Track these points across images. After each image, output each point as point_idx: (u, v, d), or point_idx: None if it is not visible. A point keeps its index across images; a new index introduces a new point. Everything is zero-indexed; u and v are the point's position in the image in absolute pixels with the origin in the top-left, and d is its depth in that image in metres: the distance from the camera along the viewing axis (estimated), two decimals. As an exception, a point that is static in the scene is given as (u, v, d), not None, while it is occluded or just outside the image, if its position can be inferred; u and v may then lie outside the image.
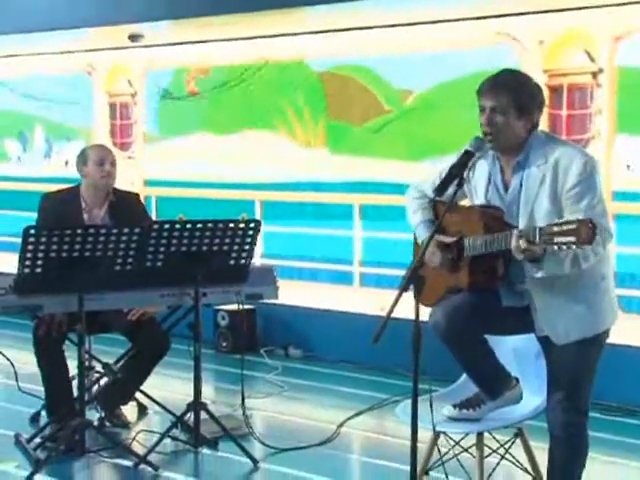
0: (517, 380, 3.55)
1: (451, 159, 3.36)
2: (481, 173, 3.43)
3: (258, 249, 5.23)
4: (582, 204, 3.15)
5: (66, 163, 8.28)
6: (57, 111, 8.27)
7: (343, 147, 6.64)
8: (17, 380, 4.86)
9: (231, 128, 7.18)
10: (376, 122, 6.45)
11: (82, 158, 4.95)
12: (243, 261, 4.72)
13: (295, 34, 6.76)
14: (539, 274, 3.17)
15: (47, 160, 8.50)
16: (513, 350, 3.70)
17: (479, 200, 3.43)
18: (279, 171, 6.96)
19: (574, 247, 2.94)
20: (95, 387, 5.12)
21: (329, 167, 6.69)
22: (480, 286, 3.37)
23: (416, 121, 6.27)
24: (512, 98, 3.27)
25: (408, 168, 6.23)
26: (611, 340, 3.45)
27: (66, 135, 8.29)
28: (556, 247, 2.97)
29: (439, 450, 3.66)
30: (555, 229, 2.95)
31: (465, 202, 3.56)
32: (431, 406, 3.31)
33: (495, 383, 3.52)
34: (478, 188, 3.43)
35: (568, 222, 2.94)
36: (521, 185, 3.31)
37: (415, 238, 3.67)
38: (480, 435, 3.61)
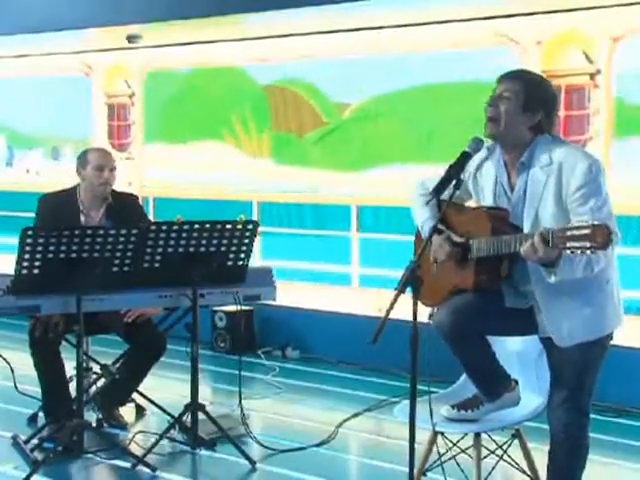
0: (516, 382, 3.55)
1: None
2: (488, 175, 3.43)
3: (256, 250, 5.26)
4: (587, 206, 3.14)
5: (27, 171, 8.46)
6: (24, 118, 8.40)
7: (287, 158, 6.91)
8: (14, 381, 4.85)
9: (182, 138, 7.47)
10: (315, 134, 6.76)
11: (82, 161, 4.94)
12: (241, 262, 4.72)
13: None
14: (552, 279, 3.14)
15: (9, 168, 8.63)
16: (514, 351, 3.70)
17: (487, 201, 3.43)
18: (230, 181, 7.21)
19: (588, 252, 2.93)
20: (93, 388, 5.12)
21: (274, 177, 6.96)
22: (484, 286, 3.37)
23: (352, 133, 6.58)
24: (521, 88, 3.27)
25: (345, 178, 6.58)
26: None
27: (28, 144, 8.42)
28: (569, 251, 2.96)
29: (438, 451, 3.66)
30: (568, 233, 2.93)
31: (471, 203, 3.57)
32: (430, 406, 3.32)
33: (494, 385, 3.52)
34: (485, 189, 3.43)
35: (582, 227, 2.91)
36: (525, 187, 3.31)
37: (416, 237, 3.67)
38: (478, 436, 3.61)
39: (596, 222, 2.91)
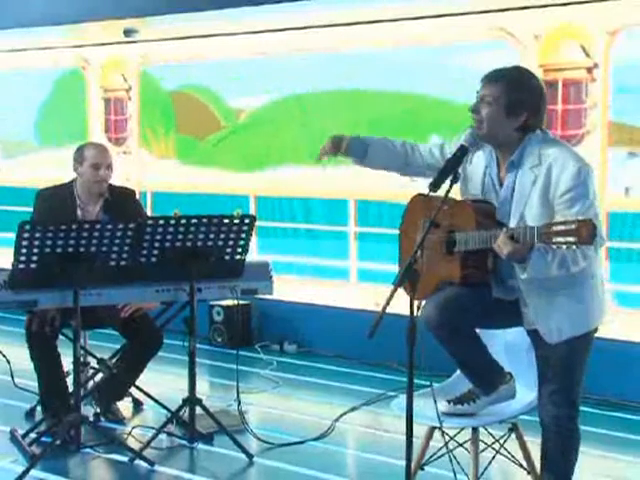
0: (511, 375, 3.55)
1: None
2: (478, 164, 3.42)
3: (253, 244, 5.29)
4: (574, 210, 3.13)
5: None
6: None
7: (190, 159, 7.49)
8: (12, 375, 4.85)
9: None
10: (215, 137, 7.35)
11: (78, 157, 4.91)
12: (238, 256, 4.72)
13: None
14: (524, 275, 3.17)
15: None
16: (505, 345, 3.71)
17: (475, 190, 3.43)
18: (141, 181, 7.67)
19: (574, 247, 2.94)
20: (90, 382, 5.12)
21: (179, 176, 7.53)
22: (472, 280, 3.38)
23: (247, 136, 7.16)
24: (502, 91, 3.26)
25: (240, 178, 7.14)
26: (602, 334, 3.47)
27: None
28: (555, 246, 2.97)
29: (444, 442, 3.66)
30: (554, 229, 2.94)
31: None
32: (434, 398, 3.31)
33: (489, 378, 3.52)
34: (474, 180, 3.43)
35: (567, 222, 2.93)
36: (514, 184, 3.30)
37: (400, 233, 3.66)
38: (475, 430, 3.61)
39: (581, 217, 2.92)
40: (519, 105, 3.27)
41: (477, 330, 3.50)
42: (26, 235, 4.24)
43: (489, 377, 3.52)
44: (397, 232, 3.74)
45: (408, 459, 3.19)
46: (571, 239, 2.89)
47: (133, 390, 5.22)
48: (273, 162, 6.97)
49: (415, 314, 3.10)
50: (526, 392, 3.58)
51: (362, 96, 6.47)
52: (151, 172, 7.64)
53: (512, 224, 3.26)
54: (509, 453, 3.79)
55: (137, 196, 5.36)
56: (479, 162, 3.43)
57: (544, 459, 3.47)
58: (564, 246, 2.93)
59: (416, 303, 3.25)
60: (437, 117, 6.12)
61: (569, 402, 3.38)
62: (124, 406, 5.25)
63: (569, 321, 3.30)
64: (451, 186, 3.26)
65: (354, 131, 3.66)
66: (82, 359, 4.81)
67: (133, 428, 4.86)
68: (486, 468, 3.75)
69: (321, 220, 6.79)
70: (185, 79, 7.44)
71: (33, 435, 4.71)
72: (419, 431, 3.50)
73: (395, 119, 6.29)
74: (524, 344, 3.55)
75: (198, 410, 4.70)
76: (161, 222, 4.50)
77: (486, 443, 3.74)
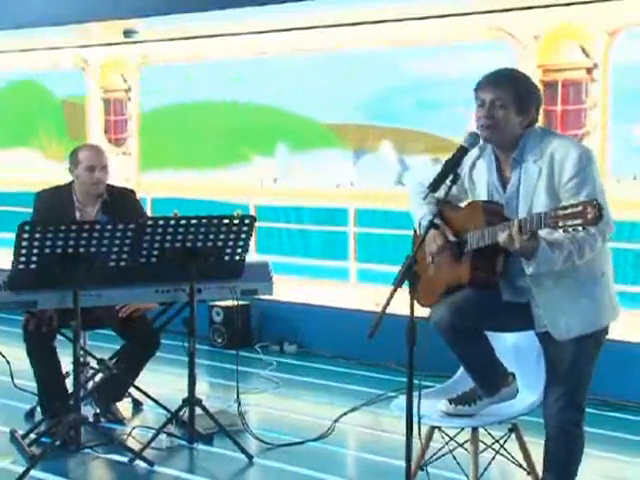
0: (513, 376, 3.55)
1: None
2: (481, 173, 3.43)
3: (252, 245, 5.31)
4: (582, 196, 3.14)
5: None
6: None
7: None
8: (12, 376, 4.85)
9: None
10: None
11: (73, 160, 4.90)
12: (238, 257, 4.72)
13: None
14: (530, 270, 3.17)
15: None
16: (513, 346, 3.70)
17: (482, 197, 3.43)
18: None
19: (580, 229, 2.94)
20: (90, 383, 5.12)
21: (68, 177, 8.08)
22: (480, 282, 3.37)
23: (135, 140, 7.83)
24: (512, 92, 3.27)
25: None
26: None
27: None
28: (562, 230, 2.98)
29: (447, 441, 3.66)
30: (560, 212, 2.96)
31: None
32: (419, 400, 3.30)
33: (493, 380, 3.52)
34: (479, 189, 3.44)
35: (573, 205, 2.94)
36: (519, 181, 3.31)
37: (414, 233, 3.67)
38: (475, 430, 3.61)
39: (586, 198, 2.92)
40: (528, 101, 3.30)
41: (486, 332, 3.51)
42: (26, 236, 4.24)
43: (493, 379, 3.52)
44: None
45: (408, 459, 3.19)
46: (578, 221, 2.90)
47: (133, 390, 5.22)
48: (157, 165, 7.66)
49: (415, 314, 3.09)
50: (528, 393, 3.58)
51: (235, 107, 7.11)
52: (41, 172, 8.11)
53: None
54: (509, 454, 3.79)
55: (137, 196, 5.35)
56: (481, 171, 3.43)
57: (547, 461, 3.46)
58: (571, 229, 2.94)
59: (429, 310, 3.26)
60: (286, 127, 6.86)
61: (575, 405, 3.38)
62: (124, 406, 5.25)
63: (578, 319, 3.29)
64: (451, 187, 3.26)
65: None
66: (82, 359, 4.80)
67: (133, 428, 4.86)
68: (486, 469, 3.75)
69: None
70: (72, 89, 8.12)
71: (33, 436, 4.71)
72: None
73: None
74: (532, 345, 3.54)
75: (198, 410, 4.70)
76: (161, 222, 4.50)
77: (486, 444, 3.74)
